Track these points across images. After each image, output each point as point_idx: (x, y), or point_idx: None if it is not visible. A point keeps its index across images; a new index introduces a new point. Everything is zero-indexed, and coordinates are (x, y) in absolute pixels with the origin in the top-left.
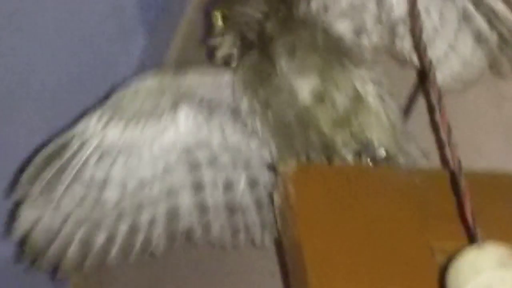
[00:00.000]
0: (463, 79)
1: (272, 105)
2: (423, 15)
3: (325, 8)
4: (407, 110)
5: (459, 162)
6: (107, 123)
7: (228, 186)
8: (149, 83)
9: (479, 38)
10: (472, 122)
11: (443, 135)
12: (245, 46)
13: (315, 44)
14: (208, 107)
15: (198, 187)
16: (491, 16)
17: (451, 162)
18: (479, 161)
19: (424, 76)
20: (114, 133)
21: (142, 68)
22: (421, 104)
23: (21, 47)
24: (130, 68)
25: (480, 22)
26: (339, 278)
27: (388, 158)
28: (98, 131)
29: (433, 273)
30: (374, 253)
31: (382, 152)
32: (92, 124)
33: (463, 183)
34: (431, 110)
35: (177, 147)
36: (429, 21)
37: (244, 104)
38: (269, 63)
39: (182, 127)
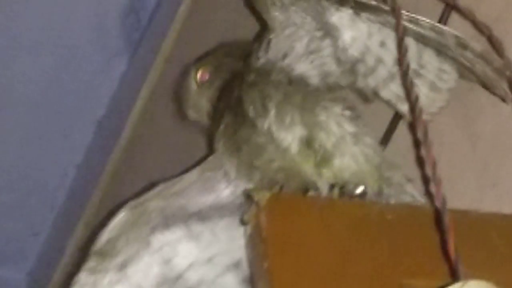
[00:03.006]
0: (433, 103)
1: (257, 165)
2: (380, 50)
3: (284, 56)
4: (384, 140)
5: (444, 198)
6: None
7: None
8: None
9: (440, 52)
10: (447, 160)
11: (429, 171)
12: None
13: (285, 94)
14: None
15: None
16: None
17: (435, 198)
18: (452, 198)
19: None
20: None
21: (121, 91)
22: (396, 135)
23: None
24: (110, 90)
25: (436, 38)
26: None
27: (366, 194)
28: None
29: None
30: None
31: (360, 189)
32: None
33: (447, 219)
34: (416, 145)
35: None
36: (388, 54)
37: (232, 172)
38: (246, 124)
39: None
